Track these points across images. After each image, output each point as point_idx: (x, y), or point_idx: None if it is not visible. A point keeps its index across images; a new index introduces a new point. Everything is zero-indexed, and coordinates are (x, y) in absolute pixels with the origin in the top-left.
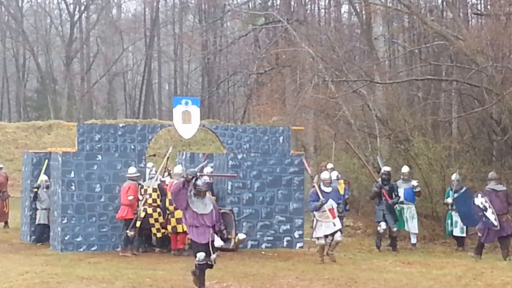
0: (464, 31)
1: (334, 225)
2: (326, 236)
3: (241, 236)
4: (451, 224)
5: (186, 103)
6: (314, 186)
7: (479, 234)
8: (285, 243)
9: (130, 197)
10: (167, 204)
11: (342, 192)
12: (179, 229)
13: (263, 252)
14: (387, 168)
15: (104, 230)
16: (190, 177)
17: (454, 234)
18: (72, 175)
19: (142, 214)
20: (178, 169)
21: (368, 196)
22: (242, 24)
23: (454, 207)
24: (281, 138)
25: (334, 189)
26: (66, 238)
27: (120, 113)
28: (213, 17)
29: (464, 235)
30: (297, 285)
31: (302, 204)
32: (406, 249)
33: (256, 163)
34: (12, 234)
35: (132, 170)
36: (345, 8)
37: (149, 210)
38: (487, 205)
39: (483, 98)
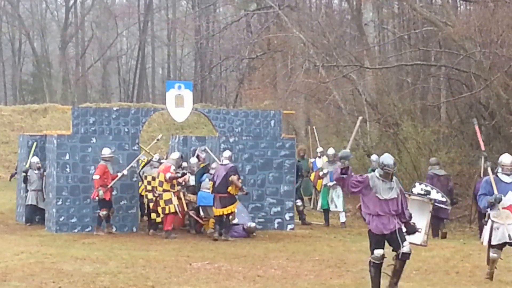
0: (452, 17)
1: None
2: (502, 245)
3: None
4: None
5: (179, 87)
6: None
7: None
8: (276, 225)
9: (96, 177)
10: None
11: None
12: (166, 211)
13: (254, 234)
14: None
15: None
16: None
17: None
18: (67, 157)
19: (145, 201)
20: (175, 155)
21: None
22: (234, 9)
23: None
24: (272, 122)
25: None
26: (61, 219)
27: (114, 97)
28: (206, 2)
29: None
30: (288, 266)
31: (292, 186)
32: None
33: (248, 146)
34: (7, 215)
35: (106, 151)
36: None
37: (150, 196)
38: (428, 188)
39: (471, 83)
